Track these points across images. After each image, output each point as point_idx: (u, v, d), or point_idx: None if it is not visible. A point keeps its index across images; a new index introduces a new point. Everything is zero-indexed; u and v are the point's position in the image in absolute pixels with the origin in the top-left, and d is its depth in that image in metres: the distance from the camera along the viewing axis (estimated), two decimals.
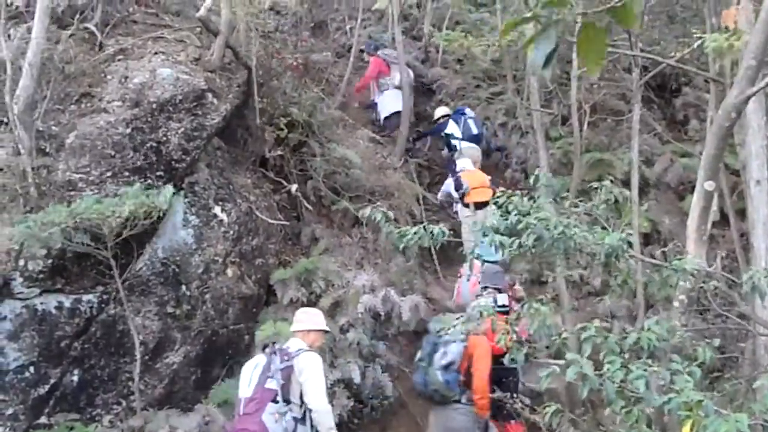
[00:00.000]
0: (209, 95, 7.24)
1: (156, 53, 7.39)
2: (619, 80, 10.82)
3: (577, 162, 9.32)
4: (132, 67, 7.15)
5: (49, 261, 5.92)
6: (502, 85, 11.66)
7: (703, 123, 10.11)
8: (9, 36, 6.96)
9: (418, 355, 6.30)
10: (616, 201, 5.03)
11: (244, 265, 7.20)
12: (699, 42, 7.62)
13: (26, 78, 6.30)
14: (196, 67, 7.43)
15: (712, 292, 4.26)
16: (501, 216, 4.36)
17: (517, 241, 4.10)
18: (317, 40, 11.45)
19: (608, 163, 9.93)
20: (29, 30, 6.77)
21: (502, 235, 4.24)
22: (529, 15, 2.08)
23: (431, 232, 4.46)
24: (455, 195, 9.34)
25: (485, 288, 6.78)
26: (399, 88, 10.71)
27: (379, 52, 11.11)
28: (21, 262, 5.87)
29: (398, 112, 10.63)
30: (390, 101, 10.78)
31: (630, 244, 4.14)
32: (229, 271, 7.01)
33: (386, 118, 10.76)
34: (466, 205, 9.11)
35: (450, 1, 12.32)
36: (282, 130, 8.28)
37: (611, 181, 9.35)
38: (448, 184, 9.50)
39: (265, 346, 5.54)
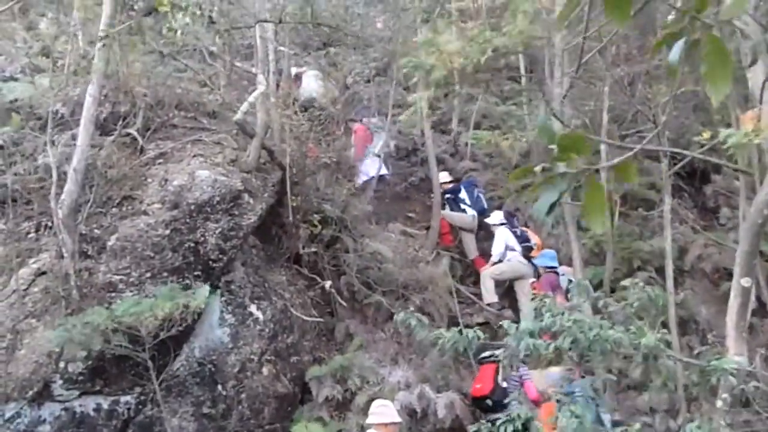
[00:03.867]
0: (245, 195, 7.41)
1: (195, 156, 7.63)
2: (649, 170, 10.88)
3: (609, 252, 9.31)
4: (171, 170, 7.37)
5: (89, 363, 6.01)
6: (532, 178, 11.76)
7: (735, 210, 10.09)
8: (54, 142, 7.25)
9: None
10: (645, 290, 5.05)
11: (280, 364, 7.22)
12: (724, 134, 7.72)
13: (71, 183, 6.53)
14: (233, 168, 7.64)
15: (753, 392, 4.19)
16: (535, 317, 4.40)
17: (553, 345, 4.11)
18: (348, 138, 11.69)
19: (641, 253, 9.89)
20: (74, 137, 7.07)
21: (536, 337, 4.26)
22: (538, 169, 2.20)
23: (466, 336, 4.49)
24: (518, 247, 9.70)
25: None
26: (378, 155, 11.12)
27: (363, 120, 11.54)
28: (61, 365, 5.96)
29: (380, 177, 11.01)
30: (368, 167, 11.06)
31: (668, 344, 4.12)
32: (265, 370, 7.03)
33: (364, 181, 10.94)
34: (530, 258, 9.67)
35: (477, 96, 12.58)
36: (315, 226, 8.41)
37: (640, 268, 9.39)
38: (504, 238, 9.82)
39: None
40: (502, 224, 10.03)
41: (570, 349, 4.00)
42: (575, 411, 5.24)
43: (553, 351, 4.11)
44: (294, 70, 11.80)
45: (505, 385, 7.52)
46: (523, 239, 9.86)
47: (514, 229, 10.05)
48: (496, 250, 9.86)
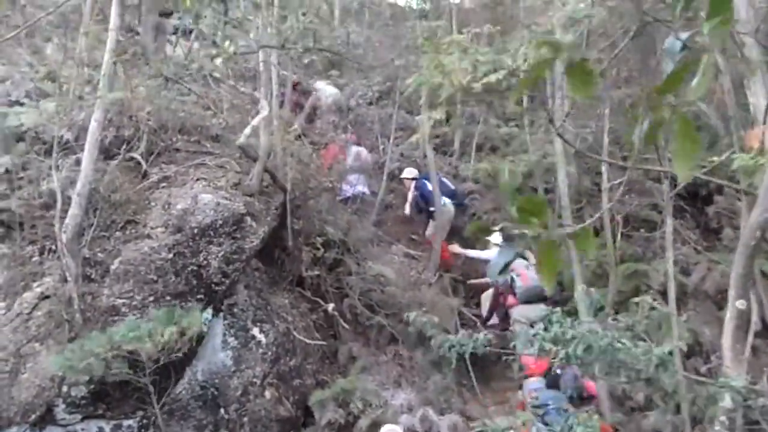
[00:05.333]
0: (248, 219, 7.45)
1: (198, 179, 7.68)
2: (650, 191, 10.90)
3: (612, 274, 9.30)
4: (175, 193, 7.42)
5: (92, 387, 6.02)
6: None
7: (738, 231, 10.07)
8: (58, 167, 7.30)
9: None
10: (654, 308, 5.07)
11: (282, 387, 7.22)
12: (726, 155, 7.75)
13: (75, 207, 6.58)
14: (236, 191, 7.68)
15: (761, 409, 4.18)
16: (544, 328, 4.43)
17: (564, 351, 4.13)
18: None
19: (644, 274, 9.87)
20: (78, 161, 7.13)
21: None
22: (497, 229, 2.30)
23: (476, 340, 4.55)
24: None
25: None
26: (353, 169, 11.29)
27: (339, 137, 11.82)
28: (64, 389, 5.98)
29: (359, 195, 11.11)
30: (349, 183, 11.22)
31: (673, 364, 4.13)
32: (267, 393, 7.03)
33: (345, 197, 11.06)
34: None
35: (479, 118, 12.65)
36: (318, 249, 8.44)
37: (643, 290, 9.39)
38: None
39: None
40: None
41: (581, 356, 4.02)
42: (547, 421, 5.46)
43: (561, 359, 4.15)
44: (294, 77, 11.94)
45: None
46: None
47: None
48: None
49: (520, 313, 8.96)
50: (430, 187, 10.74)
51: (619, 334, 4.39)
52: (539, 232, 2.11)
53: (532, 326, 7.88)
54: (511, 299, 9.14)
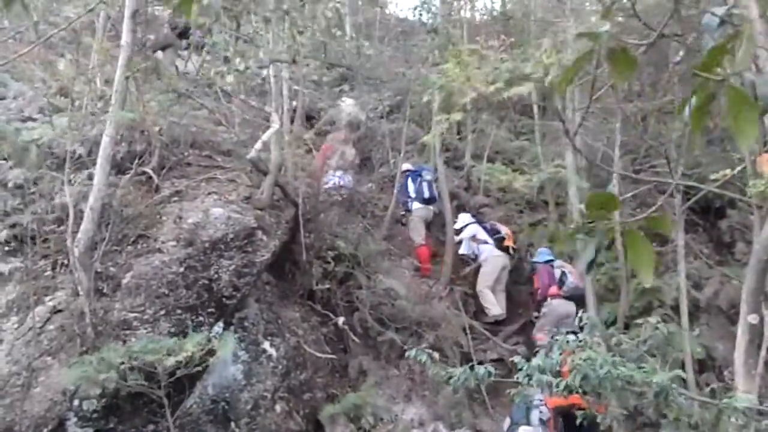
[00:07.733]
0: (259, 232, 7.47)
1: (209, 193, 7.71)
2: (662, 205, 10.85)
3: (624, 288, 9.26)
4: (186, 207, 7.45)
5: (103, 400, 6.01)
6: (545, 213, 11.78)
7: (750, 245, 10.01)
8: (71, 182, 7.35)
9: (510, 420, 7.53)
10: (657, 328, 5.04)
11: (293, 401, 7.20)
12: (739, 168, 7.72)
13: (87, 222, 6.61)
14: (247, 205, 7.71)
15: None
16: (545, 355, 4.41)
17: (564, 382, 4.11)
18: (361, 175, 11.79)
19: (656, 289, 9.80)
20: (90, 176, 7.17)
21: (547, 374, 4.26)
22: (573, 227, 2.16)
23: (476, 374, 4.51)
24: (490, 240, 10.35)
25: None
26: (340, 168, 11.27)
27: (328, 137, 11.88)
28: (76, 402, 5.98)
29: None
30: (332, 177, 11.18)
31: (683, 381, 4.10)
32: (278, 407, 7.01)
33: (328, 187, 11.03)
34: (504, 249, 10.36)
35: (491, 131, 12.66)
36: (329, 263, 8.46)
37: (655, 305, 9.35)
38: (472, 231, 10.54)
39: None
40: (470, 223, 10.65)
41: (580, 386, 4.01)
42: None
43: (563, 389, 4.12)
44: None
45: None
46: (494, 232, 10.47)
47: (483, 225, 10.67)
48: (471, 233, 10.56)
49: (556, 307, 9.28)
50: (410, 183, 10.96)
51: (621, 358, 4.37)
52: (613, 223, 2.02)
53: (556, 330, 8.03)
54: (554, 289, 9.42)
